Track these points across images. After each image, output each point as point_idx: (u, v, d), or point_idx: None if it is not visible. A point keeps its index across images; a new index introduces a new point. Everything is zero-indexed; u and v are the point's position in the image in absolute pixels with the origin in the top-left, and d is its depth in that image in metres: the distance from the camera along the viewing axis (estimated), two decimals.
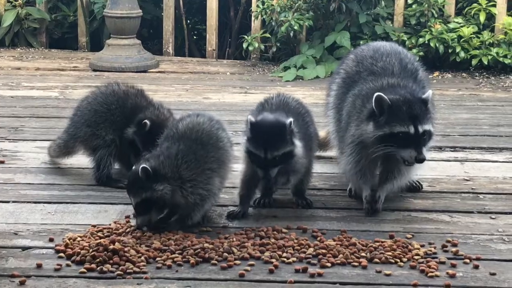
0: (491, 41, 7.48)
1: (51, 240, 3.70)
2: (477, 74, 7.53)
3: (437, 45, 7.41)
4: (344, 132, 4.18)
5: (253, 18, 7.99)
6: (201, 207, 3.80)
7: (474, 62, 7.42)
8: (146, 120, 4.36)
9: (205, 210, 3.84)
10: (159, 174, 3.70)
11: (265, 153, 3.82)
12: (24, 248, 3.63)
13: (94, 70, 7.66)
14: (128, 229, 3.79)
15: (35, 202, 4.19)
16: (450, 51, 7.46)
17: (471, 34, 7.46)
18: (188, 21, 8.73)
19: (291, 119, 3.88)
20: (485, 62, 7.38)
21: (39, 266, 3.44)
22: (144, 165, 3.67)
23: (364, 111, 4.03)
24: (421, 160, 3.90)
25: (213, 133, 3.88)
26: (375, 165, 4.15)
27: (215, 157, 3.85)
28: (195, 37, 9.05)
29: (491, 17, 7.72)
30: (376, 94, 3.92)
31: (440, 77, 7.47)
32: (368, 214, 4.05)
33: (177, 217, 3.81)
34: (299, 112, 4.18)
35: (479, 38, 7.49)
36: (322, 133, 4.70)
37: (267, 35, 7.82)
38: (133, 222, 3.87)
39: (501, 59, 7.37)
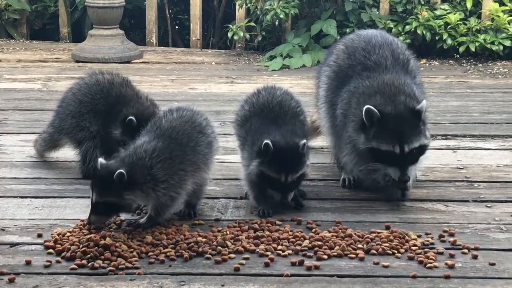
0: (478, 28, 7.42)
1: (39, 235, 3.61)
2: (464, 61, 7.47)
3: (424, 32, 7.35)
4: (341, 130, 4.11)
5: (237, 7, 7.89)
6: (171, 207, 3.69)
7: (461, 49, 7.37)
8: (131, 117, 4.23)
9: (173, 209, 3.73)
10: (134, 180, 3.55)
11: (285, 177, 3.77)
12: (12, 245, 3.53)
13: (77, 61, 7.54)
14: (118, 222, 3.71)
15: (21, 197, 4.09)
16: (437, 38, 7.40)
17: (458, 20, 7.40)
18: (170, 11, 8.62)
19: (304, 140, 3.83)
20: (473, 49, 7.33)
21: (28, 262, 3.35)
22: (121, 171, 3.51)
23: (359, 115, 3.94)
24: (403, 181, 3.91)
25: (193, 136, 3.77)
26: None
27: (192, 160, 3.74)
28: (177, 27, 8.94)
29: (477, 3, 7.66)
30: (366, 107, 3.87)
31: (427, 64, 7.41)
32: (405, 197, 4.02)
33: (147, 217, 3.70)
34: (292, 107, 4.07)
35: (466, 24, 7.43)
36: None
37: (252, 24, 7.73)
38: (122, 216, 3.78)
39: (488, 45, 7.32)
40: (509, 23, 7.41)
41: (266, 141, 3.75)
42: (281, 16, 7.33)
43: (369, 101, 3.92)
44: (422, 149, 3.95)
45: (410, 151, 3.89)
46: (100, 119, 4.35)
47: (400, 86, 4.00)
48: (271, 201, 3.90)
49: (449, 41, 7.37)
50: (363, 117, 3.88)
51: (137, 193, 3.57)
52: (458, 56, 7.52)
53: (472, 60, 7.47)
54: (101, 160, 3.62)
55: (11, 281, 3.19)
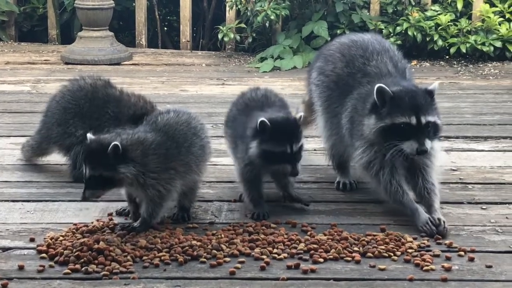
0: (469, 29, 7.42)
1: (32, 240, 3.57)
2: (455, 62, 7.47)
3: (415, 33, 7.34)
4: (349, 139, 4.03)
5: (227, 8, 7.85)
6: (160, 206, 3.65)
7: (452, 50, 7.36)
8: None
9: (165, 209, 3.70)
10: (127, 155, 3.52)
11: (290, 147, 3.75)
12: (4, 249, 3.49)
13: (66, 63, 7.49)
14: (112, 226, 3.67)
15: (13, 201, 4.04)
16: (428, 39, 7.39)
17: (448, 22, 7.39)
18: (159, 12, 8.58)
19: (301, 113, 3.86)
20: (463, 50, 7.32)
21: (21, 267, 3.30)
22: (116, 143, 3.48)
23: (366, 108, 3.88)
24: (422, 151, 3.75)
25: (188, 137, 3.75)
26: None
27: (185, 161, 3.72)
28: (166, 28, 8.90)
29: (468, 4, 7.65)
30: (377, 85, 3.79)
31: (418, 65, 7.39)
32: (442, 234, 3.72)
33: (140, 220, 3.66)
34: (279, 99, 4.12)
35: (456, 25, 7.43)
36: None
37: (243, 25, 7.70)
38: (116, 220, 3.75)
39: (479, 46, 7.31)
40: (499, 24, 7.41)
41: (261, 119, 3.74)
42: (272, 17, 7.30)
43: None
44: (437, 128, 3.84)
45: (426, 123, 3.77)
46: (86, 122, 4.30)
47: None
48: (267, 205, 3.90)
49: (440, 42, 7.35)
50: (375, 96, 3.79)
51: (130, 168, 3.52)
52: (449, 57, 7.52)
53: (463, 61, 7.47)
54: (89, 135, 3.57)
55: (4, 286, 3.15)
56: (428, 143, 3.77)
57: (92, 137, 3.56)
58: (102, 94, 4.34)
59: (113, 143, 3.48)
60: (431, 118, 3.80)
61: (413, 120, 3.76)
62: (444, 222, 3.70)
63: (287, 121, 3.81)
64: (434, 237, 3.63)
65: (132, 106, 4.32)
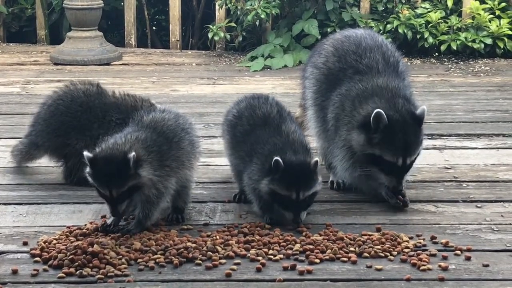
0: (459, 26, 7.41)
1: (25, 243, 3.53)
2: (445, 59, 7.46)
3: (405, 31, 7.32)
4: (333, 134, 4.06)
5: (217, 7, 7.81)
6: (157, 205, 3.63)
7: (442, 47, 7.35)
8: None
9: (159, 210, 3.67)
10: (140, 158, 3.53)
11: (297, 194, 3.64)
12: None
13: (56, 64, 7.44)
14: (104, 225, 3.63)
15: (4, 204, 4.01)
16: (418, 36, 7.38)
17: (439, 19, 7.38)
18: (148, 12, 8.53)
19: (316, 159, 3.72)
20: (454, 47, 7.31)
21: (14, 272, 3.27)
22: (133, 153, 3.47)
23: (355, 116, 3.92)
24: (398, 191, 3.91)
25: (177, 132, 3.74)
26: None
27: (176, 156, 3.70)
28: (154, 28, 8.86)
29: (458, 2, 7.64)
30: (376, 110, 3.81)
31: (409, 63, 7.37)
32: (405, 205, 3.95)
33: (135, 221, 3.64)
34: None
35: (447, 23, 7.42)
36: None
37: (233, 24, 7.67)
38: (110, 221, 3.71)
39: (469, 44, 7.31)
40: (489, 21, 7.40)
41: (276, 158, 3.63)
42: (262, 16, 7.27)
43: (366, 104, 3.88)
44: (417, 157, 3.97)
45: (410, 162, 3.89)
46: (86, 134, 4.24)
47: (395, 90, 3.97)
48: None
49: (430, 40, 7.34)
50: (371, 120, 3.81)
51: (147, 169, 3.54)
52: (439, 54, 7.51)
53: (453, 59, 7.46)
54: (86, 153, 3.51)
55: None
56: (404, 180, 3.93)
57: (98, 155, 3.51)
58: (98, 103, 4.27)
59: (131, 155, 3.46)
60: (415, 156, 3.92)
61: (400, 162, 3.85)
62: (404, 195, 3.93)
63: (301, 166, 3.67)
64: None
65: (133, 108, 4.26)
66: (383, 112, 3.80)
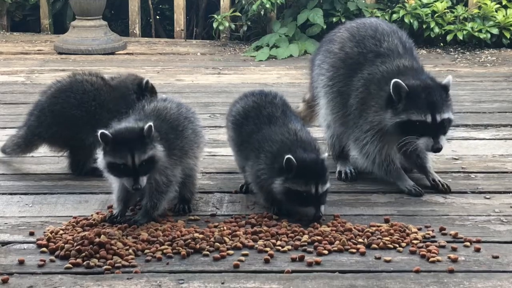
0: (465, 16, 7.37)
1: (31, 234, 3.51)
2: (451, 49, 7.42)
3: (411, 20, 7.29)
4: (357, 118, 4.03)
5: None
6: (165, 194, 3.62)
7: (449, 37, 7.32)
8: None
9: (166, 200, 3.65)
10: (152, 137, 3.55)
11: (316, 189, 3.59)
12: (4, 244, 3.43)
13: (60, 53, 7.42)
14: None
15: (10, 194, 3.98)
16: (424, 26, 7.34)
17: (445, 9, 7.35)
18: (152, 1, 8.49)
19: (325, 155, 3.69)
20: (460, 37, 7.28)
21: (21, 262, 3.25)
22: (150, 123, 3.49)
23: (382, 96, 3.90)
24: (437, 149, 3.85)
25: (180, 121, 3.73)
26: (395, 154, 4.06)
27: (180, 146, 3.69)
28: (158, 17, 8.82)
29: None
30: (393, 80, 3.81)
31: None
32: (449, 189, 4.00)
33: (143, 211, 3.62)
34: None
35: (453, 13, 7.39)
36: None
37: (238, 13, 7.63)
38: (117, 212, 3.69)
39: (476, 33, 7.27)
40: (496, 11, 7.37)
41: (288, 156, 3.58)
42: (267, 5, 7.24)
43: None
44: (450, 123, 3.92)
45: (441, 121, 3.85)
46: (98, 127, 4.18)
47: (420, 69, 4.02)
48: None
49: (437, 30, 7.31)
50: (391, 91, 3.82)
51: (161, 147, 3.55)
52: (445, 44, 7.47)
53: (459, 49, 7.42)
54: (104, 131, 3.49)
55: (4, 281, 3.09)
56: (443, 140, 3.83)
57: (118, 129, 3.53)
58: (109, 97, 4.24)
59: (148, 124, 3.50)
60: (446, 115, 3.86)
61: (429, 118, 3.82)
62: (439, 181, 3.95)
63: (315, 161, 3.63)
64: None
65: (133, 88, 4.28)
66: (400, 81, 3.80)
